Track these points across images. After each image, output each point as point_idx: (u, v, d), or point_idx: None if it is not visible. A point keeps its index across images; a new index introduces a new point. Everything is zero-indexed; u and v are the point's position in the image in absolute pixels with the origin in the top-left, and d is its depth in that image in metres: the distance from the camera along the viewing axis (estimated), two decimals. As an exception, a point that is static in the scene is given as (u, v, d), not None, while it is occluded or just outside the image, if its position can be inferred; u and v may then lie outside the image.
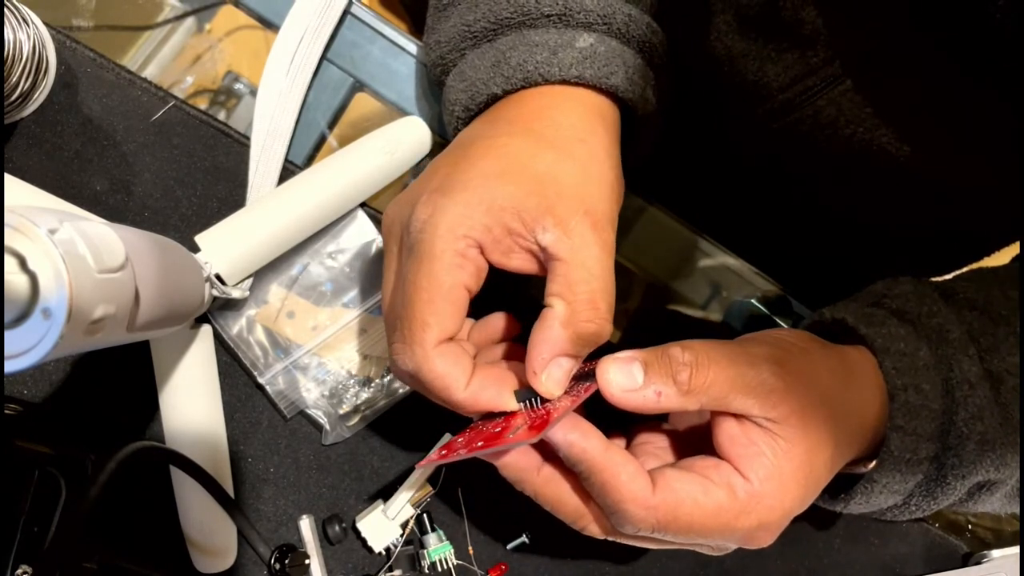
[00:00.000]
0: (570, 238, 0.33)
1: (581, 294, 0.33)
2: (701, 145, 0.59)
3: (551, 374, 0.33)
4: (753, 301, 0.53)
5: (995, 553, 0.54)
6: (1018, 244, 0.56)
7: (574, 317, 0.33)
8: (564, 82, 0.38)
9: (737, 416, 0.34)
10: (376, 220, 0.46)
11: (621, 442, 0.41)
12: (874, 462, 0.39)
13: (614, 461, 0.32)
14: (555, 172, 0.34)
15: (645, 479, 0.33)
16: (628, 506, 0.32)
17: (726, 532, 0.33)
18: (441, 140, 0.48)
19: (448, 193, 0.33)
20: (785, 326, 0.53)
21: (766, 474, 0.33)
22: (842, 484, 0.41)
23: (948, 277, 0.48)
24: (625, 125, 0.41)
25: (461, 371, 0.34)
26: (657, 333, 0.50)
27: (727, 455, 0.34)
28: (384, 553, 0.45)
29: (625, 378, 0.33)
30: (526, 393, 0.35)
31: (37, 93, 0.40)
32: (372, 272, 0.46)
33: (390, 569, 0.45)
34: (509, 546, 0.47)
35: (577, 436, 0.33)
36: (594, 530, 0.36)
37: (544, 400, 0.34)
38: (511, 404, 0.35)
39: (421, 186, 0.36)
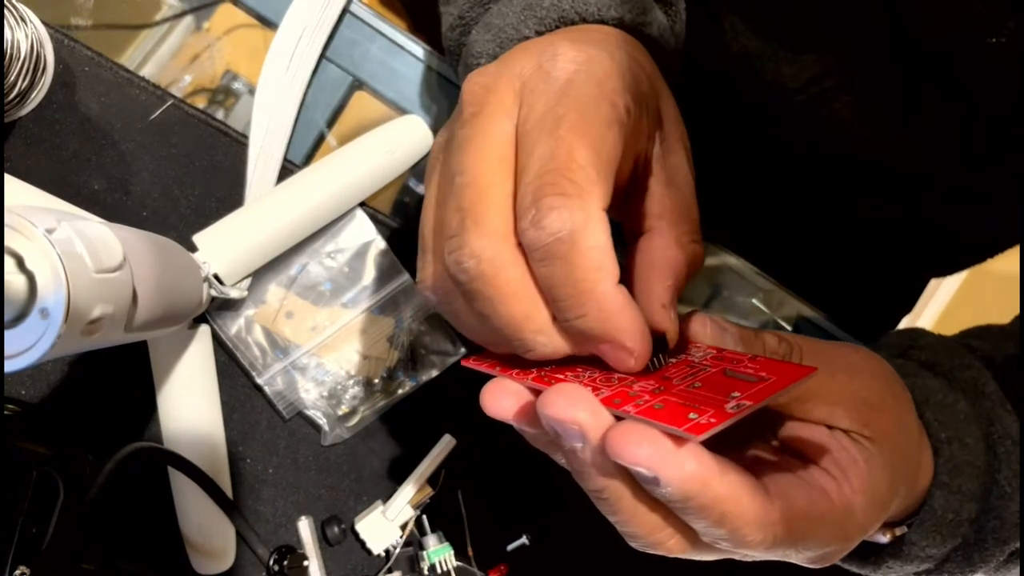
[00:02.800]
0: (669, 155, 0.30)
1: (685, 216, 0.30)
2: (709, 144, 0.59)
3: (673, 304, 0.29)
4: (754, 301, 0.52)
5: None
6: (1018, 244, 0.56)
7: (683, 239, 0.29)
8: (600, 22, 0.34)
9: (828, 427, 0.30)
10: (376, 220, 0.46)
11: None
12: (902, 526, 0.36)
13: (733, 485, 0.24)
14: (642, 66, 0.30)
15: (762, 493, 0.25)
16: (747, 530, 0.25)
17: (822, 541, 0.28)
18: (441, 139, 0.48)
19: (543, 43, 0.29)
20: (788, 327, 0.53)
21: (860, 486, 0.29)
22: (867, 548, 0.37)
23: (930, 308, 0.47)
24: None
25: (524, 274, 0.26)
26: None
27: (817, 460, 0.29)
28: (383, 555, 0.45)
29: (717, 330, 0.29)
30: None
31: (35, 92, 0.40)
32: (371, 272, 0.46)
33: (389, 571, 0.45)
34: (509, 547, 0.47)
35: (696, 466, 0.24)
36: (672, 546, 0.27)
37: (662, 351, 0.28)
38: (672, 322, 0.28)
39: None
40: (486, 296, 0.26)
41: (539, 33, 0.35)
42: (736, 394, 0.24)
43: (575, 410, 0.24)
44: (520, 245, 0.26)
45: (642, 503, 0.26)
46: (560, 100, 0.27)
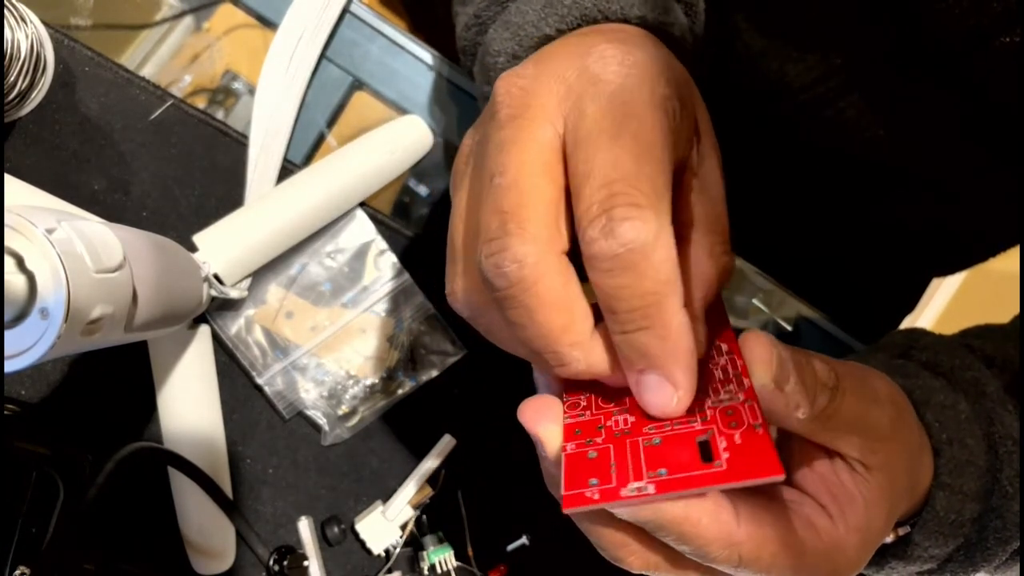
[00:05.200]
0: (702, 161, 0.28)
1: (717, 225, 0.28)
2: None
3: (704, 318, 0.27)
4: (754, 301, 0.52)
5: None
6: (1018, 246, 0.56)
7: (715, 249, 0.28)
8: (624, 21, 0.33)
9: (828, 451, 0.30)
10: (375, 220, 0.46)
11: None
12: (905, 527, 0.36)
13: (689, 507, 0.25)
14: (677, 68, 0.29)
15: (728, 511, 0.26)
16: (711, 548, 0.25)
17: (804, 570, 0.28)
18: (441, 140, 0.48)
19: (582, 43, 0.28)
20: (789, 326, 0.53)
21: (856, 524, 0.28)
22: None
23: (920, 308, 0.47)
24: None
25: (578, 294, 0.25)
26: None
27: (814, 492, 0.29)
28: (383, 555, 0.45)
29: (776, 364, 0.26)
30: None
31: (35, 92, 0.40)
32: (371, 272, 0.46)
33: (389, 571, 0.45)
34: (509, 548, 0.47)
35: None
36: (633, 563, 0.28)
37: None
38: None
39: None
40: (524, 304, 0.25)
41: (560, 31, 0.34)
42: (663, 471, 0.24)
43: (537, 426, 0.26)
44: (564, 253, 0.25)
45: (602, 519, 0.26)
46: (615, 105, 0.26)
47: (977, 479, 0.35)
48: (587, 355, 0.26)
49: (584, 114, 0.26)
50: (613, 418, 0.27)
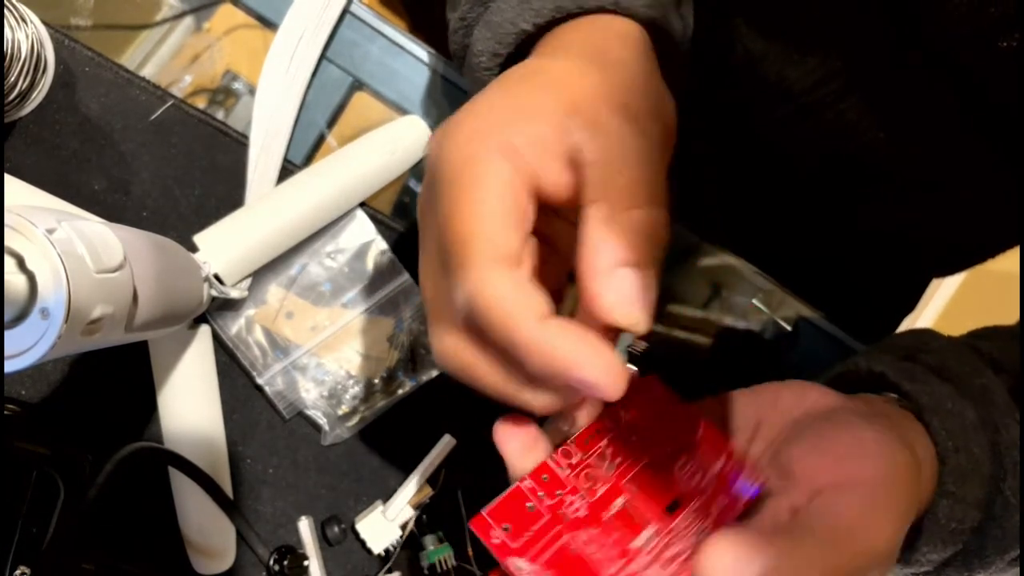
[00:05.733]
0: (603, 134, 0.27)
1: (617, 186, 0.26)
2: (711, 146, 0.59)
3: (619, 289, 0.25)
4: (754, 301, 0.52)
5: None
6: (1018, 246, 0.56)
7: (614, 210, 0.26)
8: (601, 10, 0.34)
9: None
10: (376, 220, 0.46)
11: None
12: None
13: None
14: (579, 75, 0.29)
15: None
16: None
17: None
18: (441, 140, 0.48)
19: (458, 113, 0.29)
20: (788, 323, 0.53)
21: None
22: None
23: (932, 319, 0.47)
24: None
25: (528, 296, 0.25)
26: (657, 333, 0.50)
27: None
28: (383, 554, 0.45)
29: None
30: (627, 344, 0.27)
31: (35, 92, 0.40)
32: (371, 272, 0.46)
33: (389, 571, 0.45)
34: (509, 547, 0.47)
35: None
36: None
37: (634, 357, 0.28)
38: (606, 349, 0.25)
39: None
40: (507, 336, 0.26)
41: (536, 26, 0.34)
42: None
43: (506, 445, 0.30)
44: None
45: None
46: (437, 195, 0.27)
47: (980, 487, 0.35)
48: (534, 395, 0.28)
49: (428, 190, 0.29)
50: (573, 496, 0.29)
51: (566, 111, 0.27)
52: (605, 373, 0.25)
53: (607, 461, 0.29)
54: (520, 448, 0.29)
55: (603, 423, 0.30)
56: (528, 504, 0.28)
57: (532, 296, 0.26)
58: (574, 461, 0.29)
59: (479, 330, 0.27)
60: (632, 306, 0.25)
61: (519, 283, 0.26)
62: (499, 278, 0.25)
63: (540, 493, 0.28)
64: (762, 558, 0.25)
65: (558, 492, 0.28)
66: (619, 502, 0.29)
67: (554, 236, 0.32)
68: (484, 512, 0.27)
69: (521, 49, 0.36)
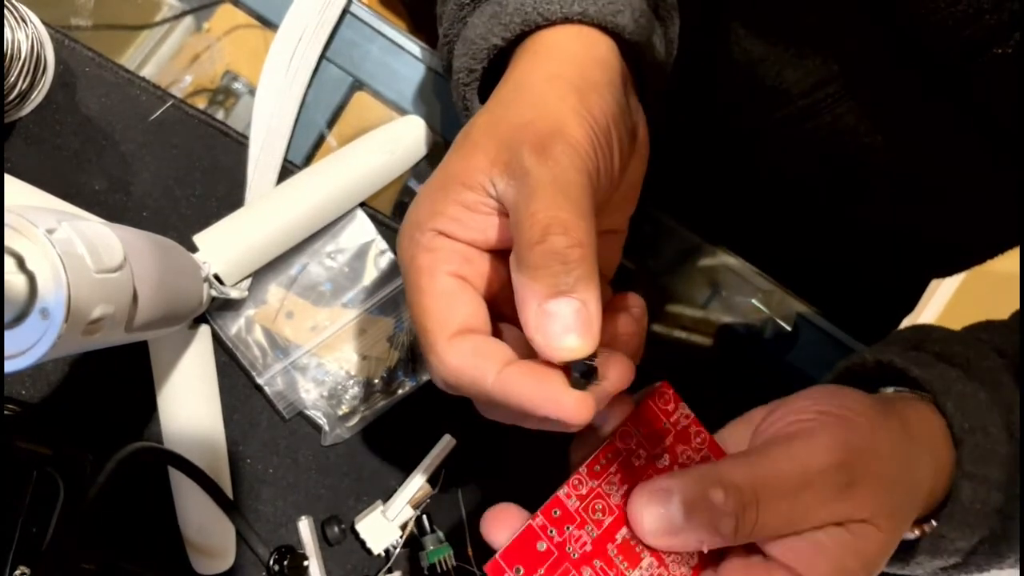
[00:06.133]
0: (515, 179, 0.28)
1: (524, 226, 0.27)
2: (710, 148, 0.59)
3: (544, 327, 0.26)
4: (753, 301, 0.53)
5: None
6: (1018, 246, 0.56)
7: (521, 252, 0.27)
8: (567, 21, 0.34)
9: None
10: (376, 220, 0.46)
11: None
12: (930, 521, 0.35)
13: None
14: (503, 116, 0.31)
15: None
16: None
17: None
18: (442, 140, 0.48)
19: (410, 207, 0.32)
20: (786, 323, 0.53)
21: (828, 570, 0.29)
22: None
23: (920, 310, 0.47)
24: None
25: (485, 359, 0.28)
26: (657, 333, 0.50)
27: (778, 558, 0.30)
28: (383, 554, 0.45)
29: (660, 522, 0.29)
30: (581, 369, 0.28)
31: (35, 92, 0.40)
32: (371, 272, 0.46)
33: (389, 571, 0.45)
34: (509, 547, 0.47)
35: None
36: None
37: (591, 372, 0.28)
38: (559, 387, 0.27)
39: None
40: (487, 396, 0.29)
41: (505, 39, 0.35)
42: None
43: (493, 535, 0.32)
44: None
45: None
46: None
47: (1000, 467, 0.34)
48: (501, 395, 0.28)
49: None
50: (583, 530, 0.30)
51: (485, 167, 0.29)
52: (562, 410, 0.27)
53: (616, 488, 0.31)
54: (510, 536, 0.31)
55: (618, 438, 0.32)
56: (539, 544, 0.29)
57: (487, 356, 0.28)
58: (584, 491, 0.31)
59: (463, 394, 0.30)
60: (562, 338, 0.26)
61: (474, 349, 0.29)
62: (455, 352, 0.28)
63: (551, 530, 0.30)
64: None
65: (567, 527, 0.30)
66: (623, 532, 0.30)
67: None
68: (498, 556, 0.29)
69: (500, 64, 0.36)
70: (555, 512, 0.30)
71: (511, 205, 0.28)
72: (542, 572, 0.29)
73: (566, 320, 0.26)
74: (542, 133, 0.29)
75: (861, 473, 0.30)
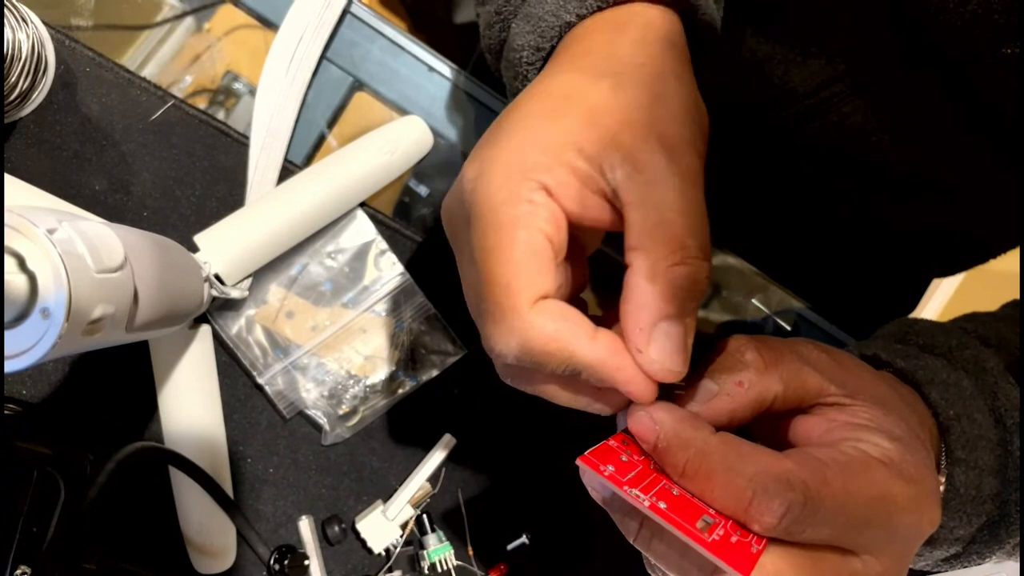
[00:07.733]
0: (642, 173, 0.28)
1: (661, 237, 0.27)
2: (714, 147, 0.59)
3: (660, 346, 0.27)
4: (754, 301, 0.53)
5: None
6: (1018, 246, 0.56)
7: (658, 266, 0.27)
8: None
9: (812, 412, 0.31)
10: (376, 220, 0.46)
11: None
12: None
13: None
14: (616, 99, 0.29)
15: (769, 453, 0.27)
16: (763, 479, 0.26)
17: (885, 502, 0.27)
18: (442, 140, 0.48)
19: (495, 144, 0.29)
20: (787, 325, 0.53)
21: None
22: None
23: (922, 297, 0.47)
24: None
25: (575, 323, 0.28)
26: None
27: (820, 442, 0.30)
28: (384, 554, 0.45)
29: (700, 393, 0.29)
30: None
31: (36, 93, 0.40)
32: (372, 272, 0.46)
33: (390, 570, 0.45)
34: (509, 547, 0.47)
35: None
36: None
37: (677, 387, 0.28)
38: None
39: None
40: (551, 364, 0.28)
41: (580, 16, 0.34)
42: (663, 505, 0.26)
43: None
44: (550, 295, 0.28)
45: None
46: (470, 226, 0.29)
47: (990, 452, 0.35)
48: (602, 363, 0.28)
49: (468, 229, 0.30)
50: (652, 464, 0.29)
51: (604, 144, 0.28)
52: (643, 387, 0.28)
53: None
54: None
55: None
56: (622, 457, 0.28)
57: (578, 321, 0.27)
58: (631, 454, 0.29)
59: (530, 365, 0.29)
60: (671, 361, 0.27)
61: (564, 314, 0.27)
62: (543, 316, 0.27)
63: (625, 455, 0.28)
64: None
65: (640, 455, 0.29)
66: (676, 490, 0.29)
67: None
68: (588, 454, 0.27)
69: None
70: (624, 441, 0.29)
71: (636, 202, 0.28)
72: (633, 474, 0.27)
73: (677, 345, 0.27)
74: (666, 129, 0.29)
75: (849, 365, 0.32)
